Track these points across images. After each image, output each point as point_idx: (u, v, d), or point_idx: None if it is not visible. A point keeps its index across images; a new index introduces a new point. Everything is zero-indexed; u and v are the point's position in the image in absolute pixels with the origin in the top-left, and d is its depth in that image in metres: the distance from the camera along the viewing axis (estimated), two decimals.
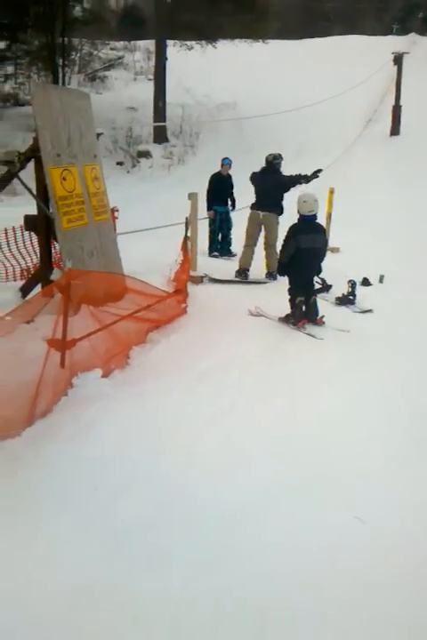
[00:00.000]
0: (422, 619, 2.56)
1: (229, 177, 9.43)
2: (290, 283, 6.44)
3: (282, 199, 7.96)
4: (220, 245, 9.42)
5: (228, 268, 8.19)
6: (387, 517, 3.18)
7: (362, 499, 3.33)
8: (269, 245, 8.03)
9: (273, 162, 8.07)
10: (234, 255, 9.00)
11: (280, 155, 8.21)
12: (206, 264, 8.16)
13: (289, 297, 6.39)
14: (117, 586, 2.61)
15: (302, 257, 6.14)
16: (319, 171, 7.99)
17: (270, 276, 7.98)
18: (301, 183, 8.01)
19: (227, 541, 2.93)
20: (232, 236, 9.41)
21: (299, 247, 6.10)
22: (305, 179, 7.90)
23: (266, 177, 7.97)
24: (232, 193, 9.43)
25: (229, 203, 9.43)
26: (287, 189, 7.95)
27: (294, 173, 8.10)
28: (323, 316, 6.34)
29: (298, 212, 6.31)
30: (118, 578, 2.66)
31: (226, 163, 9.46)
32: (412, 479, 3.57)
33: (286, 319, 6.36)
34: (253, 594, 2.62)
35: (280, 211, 7.98)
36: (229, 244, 9.40)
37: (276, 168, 8.12)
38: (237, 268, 8.05)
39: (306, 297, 6.29)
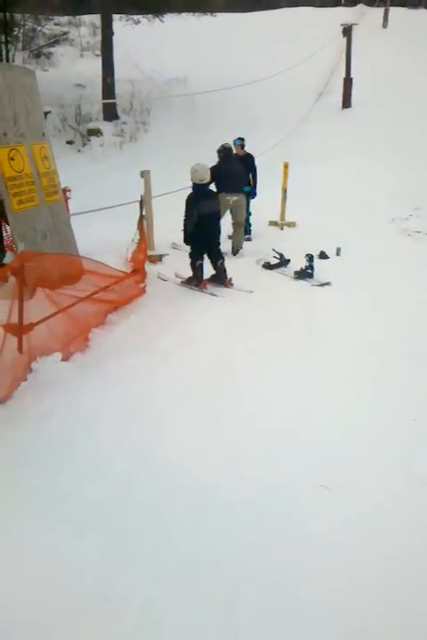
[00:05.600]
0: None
1: (245, 157, 8.59)
2: (192, 248, 6.76)
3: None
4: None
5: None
6: (351, 483, 3.26)
7: (327, 467, 3.40)
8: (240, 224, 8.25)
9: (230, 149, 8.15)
10: (249, 239, 8.78)
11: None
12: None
13: (190, 261, 6.77)
14: (87, 566, 2.61)
15: (202, 223, 6.52)
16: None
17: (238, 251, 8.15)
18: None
19: (194, 516, 2.95)
20: (251, 221, 8.97)
21: (200, 213, 6.46)
22: None
23: (232, 162, 8.03)
24: (251, 174, 8.63)
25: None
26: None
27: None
28: (231, 278, 6.80)
29: (192, 180, 6.58)
30: (88, 558, 2.66)
31: (237, 143, 8.64)
32: (376, 447, 3.66)
33: (188, 282, 6.84)
34: (223, 566, 2.65)
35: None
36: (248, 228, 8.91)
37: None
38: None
39: (214, 260, 6.83)
